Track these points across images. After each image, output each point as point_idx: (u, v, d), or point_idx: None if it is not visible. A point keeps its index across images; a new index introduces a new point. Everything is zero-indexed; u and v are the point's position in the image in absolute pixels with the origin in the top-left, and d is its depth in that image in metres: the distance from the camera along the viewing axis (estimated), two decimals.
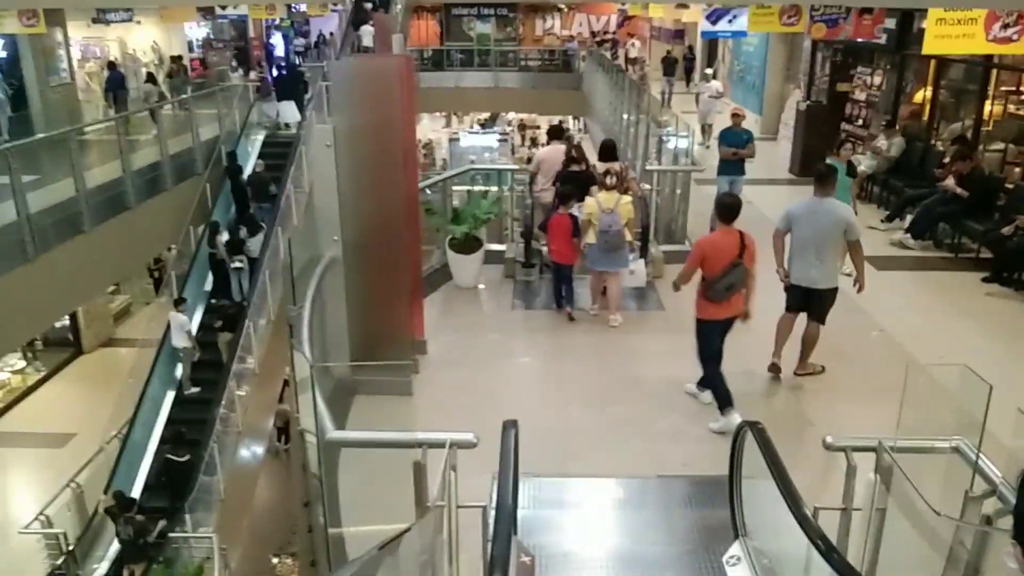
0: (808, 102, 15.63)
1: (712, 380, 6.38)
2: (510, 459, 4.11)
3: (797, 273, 6.77)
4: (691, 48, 28.62)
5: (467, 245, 8.83)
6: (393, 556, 3.63)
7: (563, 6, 33.09)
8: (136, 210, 12.21)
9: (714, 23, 15.36)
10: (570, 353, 7.68)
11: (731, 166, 10.86)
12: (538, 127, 29.88)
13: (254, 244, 12.85)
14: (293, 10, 29.42)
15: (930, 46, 9.14)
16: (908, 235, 10.70)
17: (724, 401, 6.26)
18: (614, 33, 31.66)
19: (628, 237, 8.02)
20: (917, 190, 11.35)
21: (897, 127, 13.30)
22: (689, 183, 10.65)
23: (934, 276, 9.80)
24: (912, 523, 3.47)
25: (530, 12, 33.45)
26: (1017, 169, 10.47)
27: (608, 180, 7.96)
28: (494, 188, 10.01)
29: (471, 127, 31.51)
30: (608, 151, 9.20)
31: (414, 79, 6.80)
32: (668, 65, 25.31)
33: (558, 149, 9.33)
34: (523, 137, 30.62)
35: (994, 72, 11.61)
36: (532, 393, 6.90)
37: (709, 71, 20.75)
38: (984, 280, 9.39)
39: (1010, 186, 10.26)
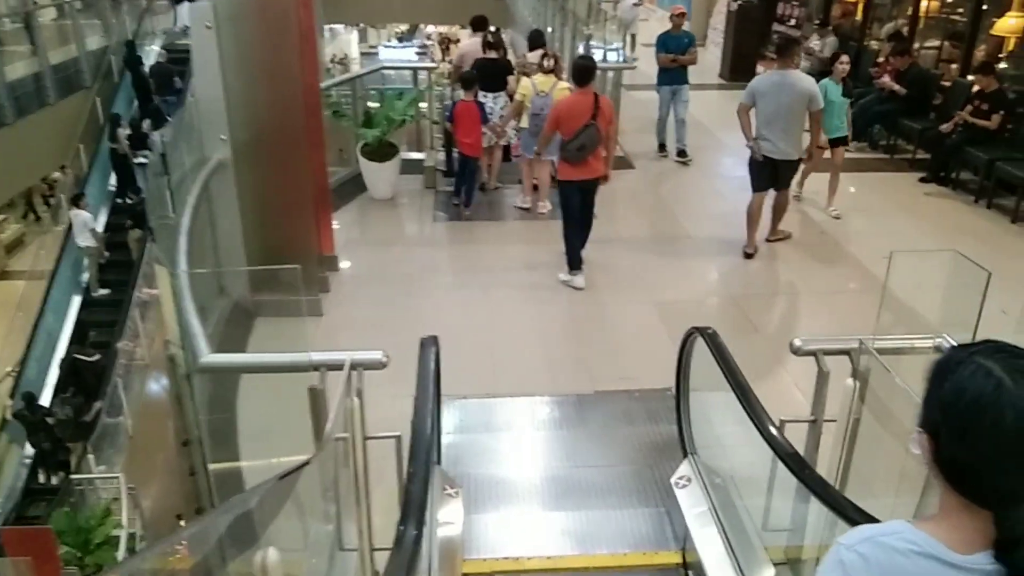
0: (739, 2, 14.99)
1: (567, 240, 6.53)
2: (429, 380, 3.52)
3: (768, 147, 6.77)
4: None
5: (381, 152, 8.03)
6: (294, 495, 3.05)
7: None
8: (14, 126, 11.02)
9: None
10: (497, 265, 7.07)
11: (672, 74, 9.67)
12: (458, 40, 28.52)
13: (159, 138, 11.86)
14: None
15: None
16: None
17: (573, 263, 6.54)
18: None
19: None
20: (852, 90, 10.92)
21: (830, 27, 12.82)
22: (620, 84, 9.99)
23: (870, 177, 9.46)
24: (890, 432, 3.03)
25: None
26: (954, 66, 10.13)
27: (545, 63, 7.48)
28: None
29: (388, 41, 29.96)
30: (537, 37, 8.78)
31: None
32: None
33: (479, 41, 8.57)
34: (444, 51, 29.23)
35: None
36: (457, 309, 6.29)
37: None
38: (921, 180, 9.11)
39: (947, 84, 9.93)
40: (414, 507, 2.49)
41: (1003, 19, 9.42)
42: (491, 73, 7.90)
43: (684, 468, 4.02)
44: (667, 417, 4.82)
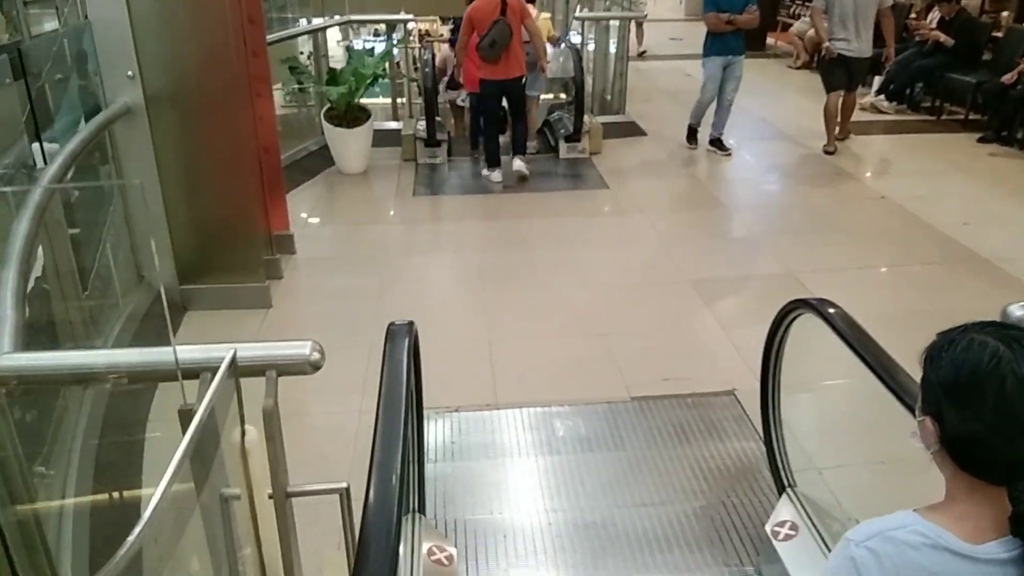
0: None
1: (486, 139, 6.93)
2: (400, 385, 2.21)
3: (842, 45, 7.27)
4: None
5: (350, 116, 6.71)
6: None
7: None
8: None
9: None
10: (493, 244, 5.76)
11: (727, 42, 7.20)
12: (441, 36, 27.36)
13: None
14: None
15: None
16: (881, 97, 9.12)
17: (492, 160, 6.88)
18: None
19: (546, 56, 6.92)
20: (882, 48, 9.70)
21: None
22: (628, 42, 8.73)
23: (920, 139, 8.22)
24: None
25: None
26: (1005, 13, 8.93)
27: None
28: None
29: (367, 38, 28.89)
30: None
31: None
32: None
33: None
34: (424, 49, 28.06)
35: None
36: (443, 299, 4.99)
37: None
38: (980, 140, 7.89)
39: (998, 35, 8.73)
40: None
41: None
42: None
43: (784, 509, 2.73)
44: (737, 431, 3.54)
